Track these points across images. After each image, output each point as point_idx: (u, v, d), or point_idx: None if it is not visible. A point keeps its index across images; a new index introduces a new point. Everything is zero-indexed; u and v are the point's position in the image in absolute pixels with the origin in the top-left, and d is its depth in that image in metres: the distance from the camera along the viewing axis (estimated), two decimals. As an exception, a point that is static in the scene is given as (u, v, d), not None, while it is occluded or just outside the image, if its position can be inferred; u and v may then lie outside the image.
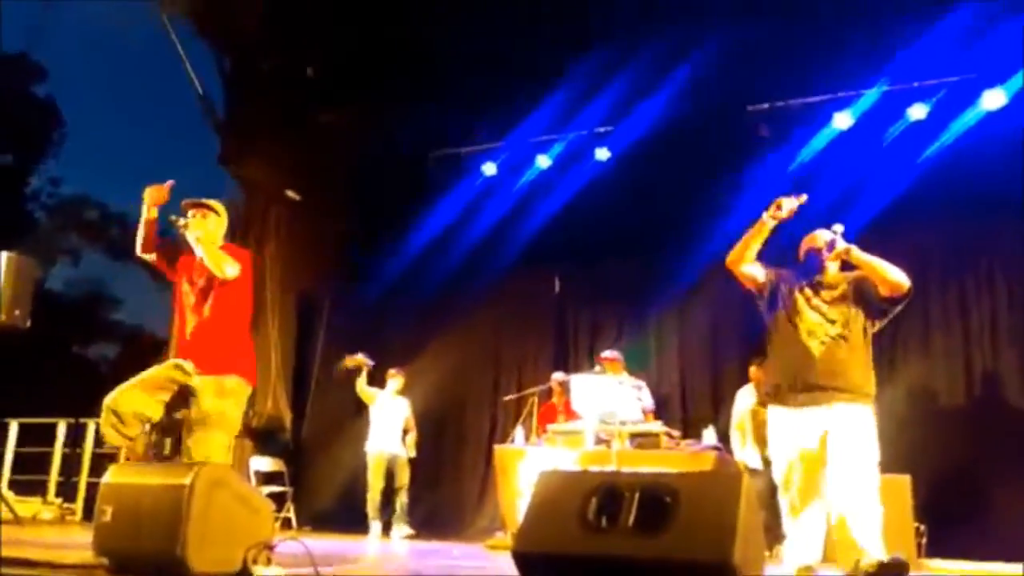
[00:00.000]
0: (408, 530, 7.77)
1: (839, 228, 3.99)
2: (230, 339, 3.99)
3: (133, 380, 3.88)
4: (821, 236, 4.05)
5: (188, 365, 3.90)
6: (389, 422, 8.00)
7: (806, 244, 4.10)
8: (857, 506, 3.66)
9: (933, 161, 7.24)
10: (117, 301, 27.87)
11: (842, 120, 7.51)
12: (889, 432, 6.79)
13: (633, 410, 6.39)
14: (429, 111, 8.50)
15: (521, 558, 2.34)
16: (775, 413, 3.99)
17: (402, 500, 7.86)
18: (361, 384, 8.03)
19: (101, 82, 40.02)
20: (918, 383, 7.61)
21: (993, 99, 6.95)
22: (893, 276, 3.82)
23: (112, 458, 8.54)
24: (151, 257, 4.16)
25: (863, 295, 3.94)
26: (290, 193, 9.19)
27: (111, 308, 27.69)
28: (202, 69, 8.64)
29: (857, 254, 3.91)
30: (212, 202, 4.22)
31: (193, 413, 3.86)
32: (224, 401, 3.87)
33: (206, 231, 4.02)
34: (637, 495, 2.33)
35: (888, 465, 6.60)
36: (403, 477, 7.90)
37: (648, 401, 7.18)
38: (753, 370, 7.19)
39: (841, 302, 3.96)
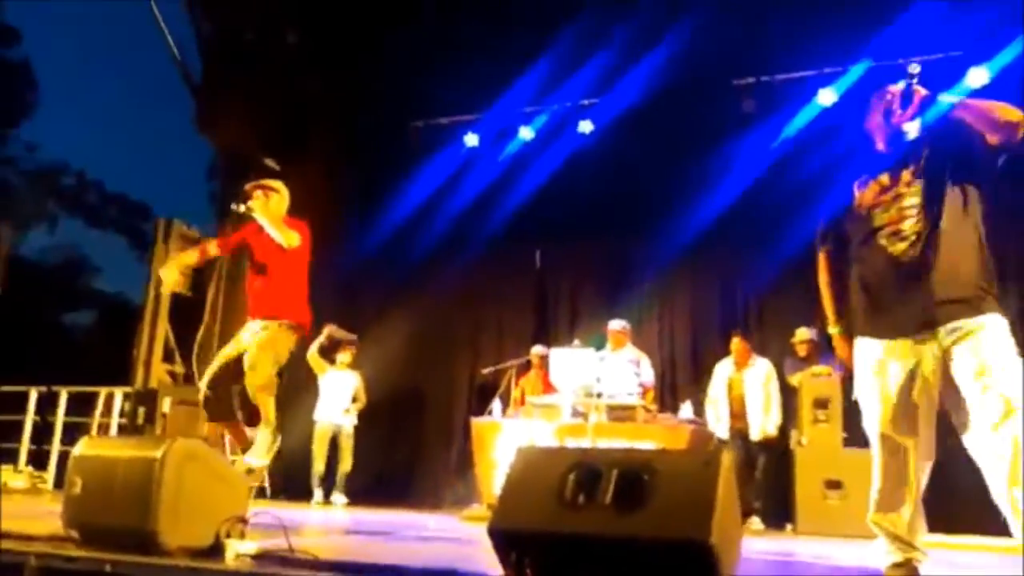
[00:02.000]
0: (344, 499, 7.94)
1: (915, 69, 2.98)
2: (289, 292, 4.65)
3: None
4: (892, 89, 3.03)
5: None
6: (336, 394, 8.21)
7: (877, 109, 3.05)
8: None
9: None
10: (95, 269, 27.57)
11: (826, 96, 7.50)
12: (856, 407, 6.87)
13: (625, 383, 6.42)
14: (412, 80, 8.38)
15: (497, 534, 2.32)
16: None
17: (344, 470, 8.07)
18: (313, 353, 8.13)
19: (79, 46, 39.23)
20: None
21: (977, 77, 6.95)
22: (1003, 113, 2.78)
23: (84, 428, 8.48)
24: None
25: (963, 153, 2.90)
26: (269, 161, 9.05)
27: (90, 276, 27.38)
28: (180, 33, 8.49)
29: (950, 98, 2.88)
30: (272, 182, 4.74)
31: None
32: (273, 336, 4.53)
33: (267, 209, 4.56)
34: (615, 472, 2.30)
35: (859, 440, 6.66)
36: (347, 448, 8.11)
37: (648, 375, 7.19)
38: (736, 341, 7.26)
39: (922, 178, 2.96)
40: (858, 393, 3.03)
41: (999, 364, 2.71)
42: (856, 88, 7.47)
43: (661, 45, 7.33)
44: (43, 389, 8.96)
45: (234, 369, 4.47)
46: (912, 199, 2.95)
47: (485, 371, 8.12)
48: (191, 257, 4.83)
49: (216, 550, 2.77)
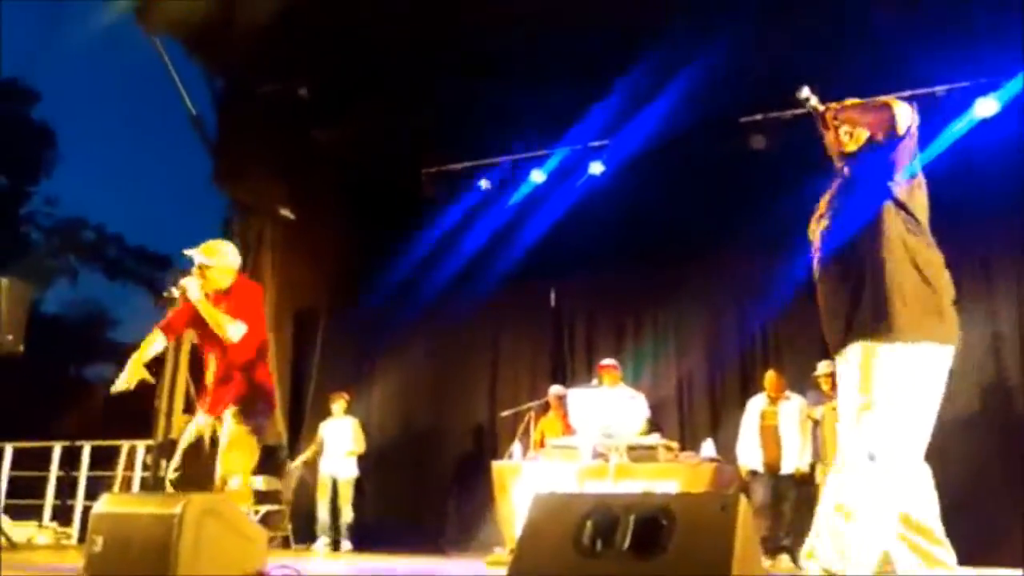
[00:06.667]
0: (349, 545, 8.07)
1: (803, 93, 3.15)
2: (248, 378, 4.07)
3: None
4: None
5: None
6: (333, 444, 8.36)
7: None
8: None
9: (928, 169, 7.21)
10: (115, 321, 27.81)
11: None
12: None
13: (633, 420, 6.37)
14: (423, 127, 8.50)
15: (516, 583, 2.31)
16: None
17: (345, 518, 8.19)
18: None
19: (96, 104, 39.91)
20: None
21: (986, 107, 6.96)
22: (875, 111, 2.86)
23: (107, 482, 8.50)
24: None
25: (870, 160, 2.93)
26: (284, 211, 9.17)
27: (109, 328, 27.61)
28: (194, 89, 8.64)
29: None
30: (209, 248, 4.10)
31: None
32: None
33: (209, 283, 4.02)
34: (632, 518, 2.30)
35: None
36: (345, 497, 8.23)
37: (645, 411, 7.15)
38: (770, 375, 7.32)
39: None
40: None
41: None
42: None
43: (669, 85, 7.37)
44: (66, 444, 9.00)
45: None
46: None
47: (504, 414, 8.09)
48: (143, 355, 4.31)
49: (236, 605, 2.77)
